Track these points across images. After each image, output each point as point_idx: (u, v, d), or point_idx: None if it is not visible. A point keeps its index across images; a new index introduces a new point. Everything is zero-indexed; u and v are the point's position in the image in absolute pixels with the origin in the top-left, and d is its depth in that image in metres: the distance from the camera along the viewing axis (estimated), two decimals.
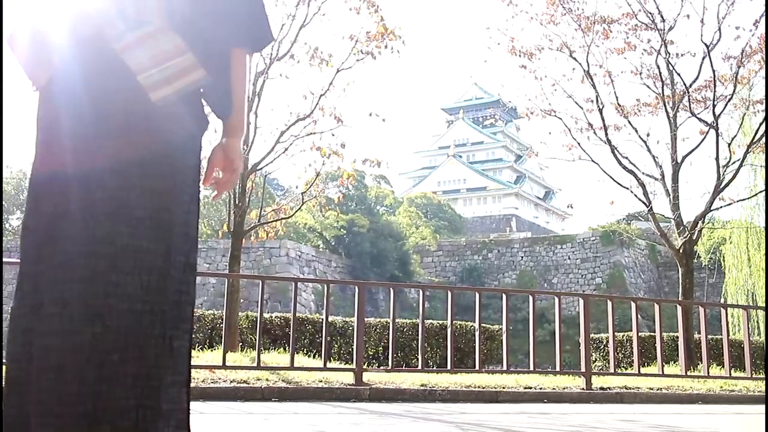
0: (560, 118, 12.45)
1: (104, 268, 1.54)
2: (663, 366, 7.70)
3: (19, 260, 1.75)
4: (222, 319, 9.87)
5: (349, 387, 5.97)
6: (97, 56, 1.68)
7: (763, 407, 5.55)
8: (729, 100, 11.78)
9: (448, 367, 6.89)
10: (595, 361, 12.26)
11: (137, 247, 1.58)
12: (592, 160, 12.18)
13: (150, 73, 1.66)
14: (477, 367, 7.14)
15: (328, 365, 6.53)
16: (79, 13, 1.71)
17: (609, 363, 8.22)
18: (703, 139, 11.77)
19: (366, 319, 8.05)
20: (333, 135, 9.84)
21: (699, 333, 8.61)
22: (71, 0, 1.72)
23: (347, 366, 7.13)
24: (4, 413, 1.57)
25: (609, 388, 7.09)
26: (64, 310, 1.52)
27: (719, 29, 11.28)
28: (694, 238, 11.59)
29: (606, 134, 11.91)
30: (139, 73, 1.65)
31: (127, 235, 1.57)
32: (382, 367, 7.54)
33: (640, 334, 8.02)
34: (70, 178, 1.62)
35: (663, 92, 11.88)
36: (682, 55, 12.03)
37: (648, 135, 12.08)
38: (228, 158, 1.87)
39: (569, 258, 43.23)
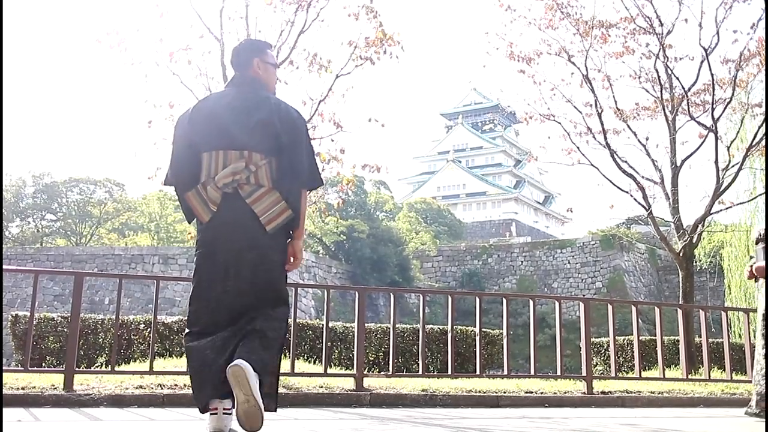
0: (559, 123, 12.46)
1: (250, 309, 3.30)
2: (664, 370, 7.69)
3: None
4: None
5: (349, 392, 5.96)
6: (237, 204, 3.34)
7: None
8: (728, 103, 11.78)
9: (449, 372, 6.87)
10: (596, 366, 12.23)
11: (271, 295, 3.38)
12: (592, 164, 12.18)
13: (266, 215, 3.35)
14: (478, 372, 7.11)
15: (329, 371, 6.51)
16: (224, 179, 3.34)
17: (610, 367, 8.21)
18: (702, 143, 11.77)
19: (366, 325, 8.04)
20: (332, 141, 9.82)
21: (700, 336, 8.59)
22: (221, 172, 3.36)
23: (348, 371, 7.11)
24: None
25: (610, 392, 7.07)
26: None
27: (717, 33, 11.30)
28: (694, 241, 11.59)
29: (605, 138, 11.91)
30: (261, 216, 3.34)
31: (263, 290, 3.35)
32: (382, 373, 7.52)
33: (640, 337, 8.01)
34: (229, 269, 3.32)
35: (662, 96, 11.88)
36: (680, 59, 12.04)
37: (647, 139, 12.10)
38: (294, 252, 3.52)
39: (569, 262, 43.22)
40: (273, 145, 3.45)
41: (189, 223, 3.60)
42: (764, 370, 5.06)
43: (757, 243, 5.50)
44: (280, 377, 6.26)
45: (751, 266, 5.46)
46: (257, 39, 3.84)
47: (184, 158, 3.53)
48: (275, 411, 3.31)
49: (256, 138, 3.43)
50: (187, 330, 3.37)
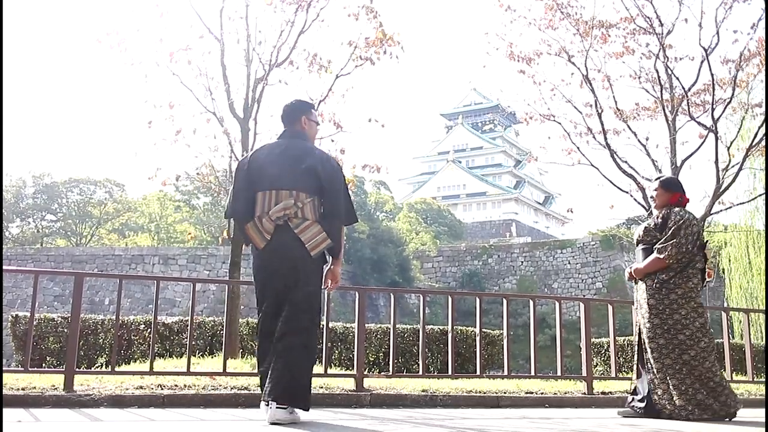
0: (559, 123, 12.47)
1: (297, 312, 4.16)
2: None
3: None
4: (222, 326, 9.83)
5: (349, 393, 5.95)
6: (287, 234, 4.21)
7: (764, 411, 5.54)
8: (728, 103, 11.79)
9: (449, 373, 6.86)
10: (596, 366, 12.23)
11: (306, 306, 4.20)
12: (592, 165, 12.19)
13: (311, 242, 4.20)
14: (478, 373, 7.11)
15: (329, 371, 6.50)
16: (277, 212, 4.22)
17: (610, 367, 8.20)
18: (702, 143, 11.77)
19: (366, 325, 8.03)
20: (332, 141, 9.81)
21: None
22: (274, 207, 4.23)
23: (348, 372, 7.10)
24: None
25: (611, 392, 7.07)
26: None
27: (717, 33, 11.30)
28: None
29: (605, 138, 11.92)
30: (306, 243, 4.20)
31: (300, 301, 4.18)
32: (382, 373, 7.51)
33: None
34: (277, 285, 4.24)
35: (662, 96, 11.89)
36: (680, 59, 12.05)
37: (647, 139, 12.12)
38: (333, 275, 4.44)
39: (569, 263, 43.19)
40: (316, 186, 4.31)
41: (246, 245, 4.58)
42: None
43: (637, 244, 5.64)
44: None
45: (631, 268, 5.66)
46: (304, 100, 4.86)
47: (242, 196, 4.39)
48: (304, 408, 4.19)
49: (303, 181, 4.29)
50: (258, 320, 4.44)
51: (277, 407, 4.00)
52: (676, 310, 5.20)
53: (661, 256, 5.22)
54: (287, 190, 4.27)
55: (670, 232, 5.22)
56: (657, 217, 5.43)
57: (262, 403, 4.09)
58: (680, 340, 5.15)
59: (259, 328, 4.30)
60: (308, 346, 4.14)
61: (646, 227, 5.52)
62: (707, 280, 5.35)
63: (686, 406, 5.03)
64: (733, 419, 5.12)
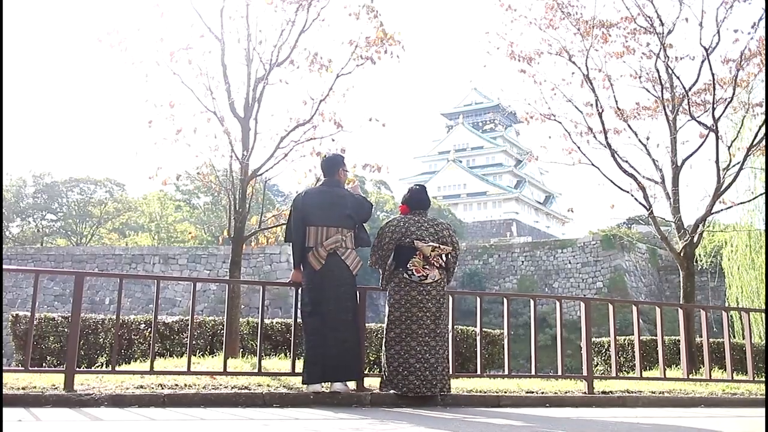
0: (560, 122, 12.41)
1: (341, 320, 5.96)
2: (665, 369, 7.68)
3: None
4: (223, 326, 9.83)
5: (350, 392, 5.95)
6: (336, 259, 5.96)
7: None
8: (728, 103, 11.73)
9: (450, 372, 6.85)
10: (596, 365, 12.22)
11: (350, 305, 6.04)
12: (592, 164, 12.15)
13: (352, 265, 6.05)
14: (478, 372, 7.11)
15: None
16: (330, 244, 5.93)
17: (611, 367, 8.20)
18: (703, 143, 11.73)
19: (367, 325, 8.02)
20: (333, 140, 9.80)
21: (700, 336, 8.58)
22: (327, 240, 5.95)
23: None
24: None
25: (611, 391, 7.07)
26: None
27: (718, 32, 11.25)
28: (695, 241, 11.56)
29: (606, 138, 11.88)
30: (350, 266, 6.04)
31: (348, 310, 5.99)
32: (383, 373, 7.49)
33: (641, 337, 8.00)
34: (330, 296, 5.91)
35: (662, 96, 11.85)
36: (681, 58, 12.00)
37: (648, 138, 12.05)
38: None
39: (570, 262, 43.19)
40: (352, 224, 6.11)
41: (297, 266, 6.07)
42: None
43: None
44: (284, 377, 6.32)
45: None
46: (338, 154, 6.54)
47: (299, 227, 6.01)
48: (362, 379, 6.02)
49: (345, 221, 6.03)
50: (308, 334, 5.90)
51: (348, 381, 5.80)
52: (389, 308, 6.08)
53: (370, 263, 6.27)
54: (335, 227, 5.96)
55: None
56: None
57: (337, 384, 5.76)
58: (387, 331, 6.00)
59: (318, 324, 5.80)
60: (360, 339, 6.05)
61: None
62: (418, 275, 6.00)
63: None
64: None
